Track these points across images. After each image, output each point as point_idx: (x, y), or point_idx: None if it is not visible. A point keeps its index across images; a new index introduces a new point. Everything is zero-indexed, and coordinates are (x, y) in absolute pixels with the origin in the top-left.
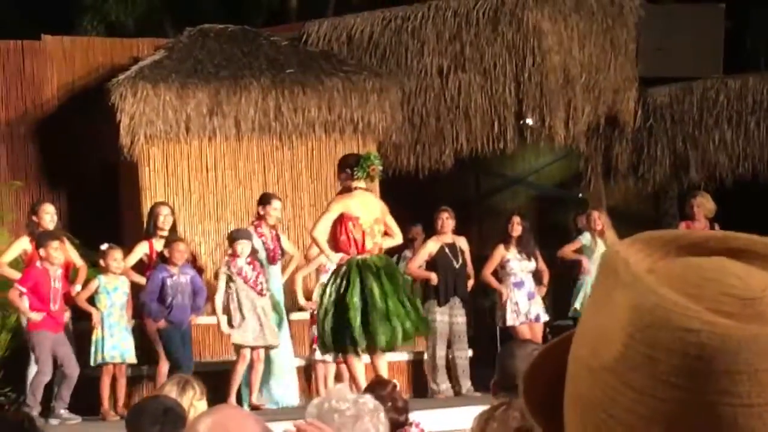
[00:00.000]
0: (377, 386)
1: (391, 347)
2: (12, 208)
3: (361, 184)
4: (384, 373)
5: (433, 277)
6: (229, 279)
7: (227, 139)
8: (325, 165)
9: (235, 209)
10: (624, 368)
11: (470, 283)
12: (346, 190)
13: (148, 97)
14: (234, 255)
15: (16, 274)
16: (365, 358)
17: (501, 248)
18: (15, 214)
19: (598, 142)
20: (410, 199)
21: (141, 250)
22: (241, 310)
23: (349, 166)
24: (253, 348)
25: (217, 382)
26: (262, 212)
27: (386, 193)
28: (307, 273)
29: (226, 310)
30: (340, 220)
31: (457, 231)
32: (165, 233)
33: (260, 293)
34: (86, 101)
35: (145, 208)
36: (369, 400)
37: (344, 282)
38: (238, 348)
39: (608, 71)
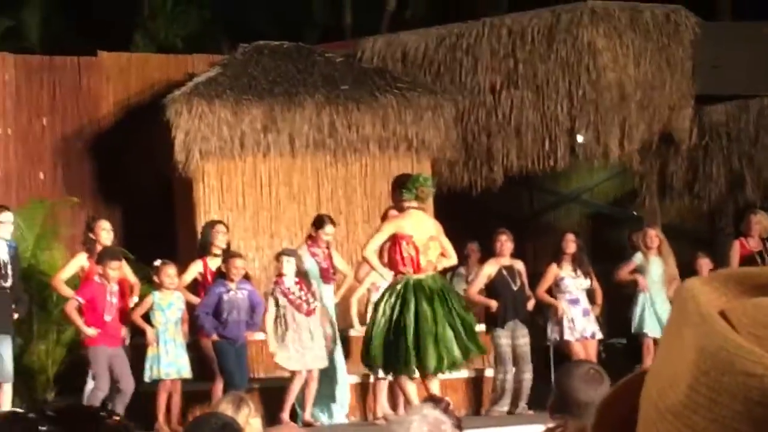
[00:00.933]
0: (431, 404)
1: (438, 371)
2: (68, 223)
3: (413, 203)
4: (436, 392)
5: (493, 304)
6: (276, 299)
7: (281, 155)
8: (378, 182)
9: (289, 225)
10: (688, 411)
11: (530, 303)
12: (399, 209)
13: (203, 113)
14: (280, 275)
15: (70, 292)
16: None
17: (554, 266)
18: (71, 229)
19: (653, 159)
20: (464, 216)
21: (195, 269)
22: (285, 331)
23: (405, 186)
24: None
25: (271, 399)
26: (314, 234)
27: (440, 210)
28: (361, 294)
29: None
30: (394, 240)
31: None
32: (219, 252)
33: (307, 314)
34: (142, 117)
35: (200, 224)
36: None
37: (398, 301)
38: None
39: (663, 89)
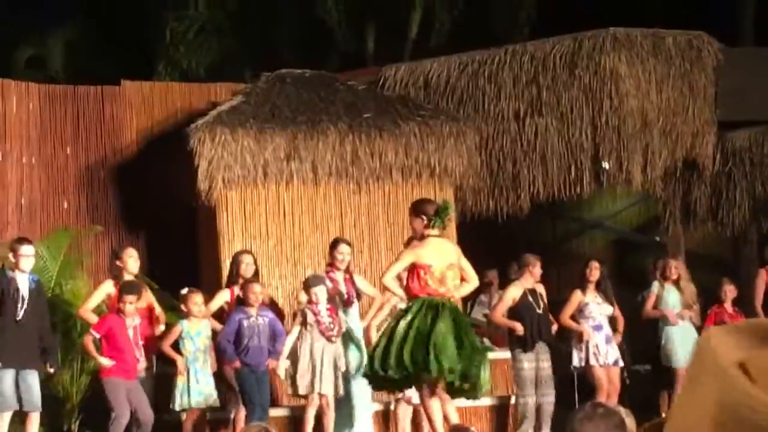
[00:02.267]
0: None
1: (439, 377)
2: (92, 252)
3: (434, 231)
4: (454, 418)
5: (519, 328)
6: (305, 316)
7: (304, 183)
8: (401, 209)
9: (312, 254)
10: None
11: (554, 327)
12: (419, 236)
13: (226, 141)
14: (312, 302)
15: (94, 319)
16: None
17: (578, 293)
18: (94, 258)
19: (676, 186)
20: (487, 244)
21: (222, 298)
22: (300, 354)
23: (425, 214)
24: (320, 394)
25: (295, 428)
26: (330, 257)
27: (463, 237)
28: (380, 320)
29: (292, 355)
30: (412, 269)
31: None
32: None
33: (330, 340)
34: (165, 146)
35: (223, 253)
36: None
37: (402, 314)
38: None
39: (686, 115)
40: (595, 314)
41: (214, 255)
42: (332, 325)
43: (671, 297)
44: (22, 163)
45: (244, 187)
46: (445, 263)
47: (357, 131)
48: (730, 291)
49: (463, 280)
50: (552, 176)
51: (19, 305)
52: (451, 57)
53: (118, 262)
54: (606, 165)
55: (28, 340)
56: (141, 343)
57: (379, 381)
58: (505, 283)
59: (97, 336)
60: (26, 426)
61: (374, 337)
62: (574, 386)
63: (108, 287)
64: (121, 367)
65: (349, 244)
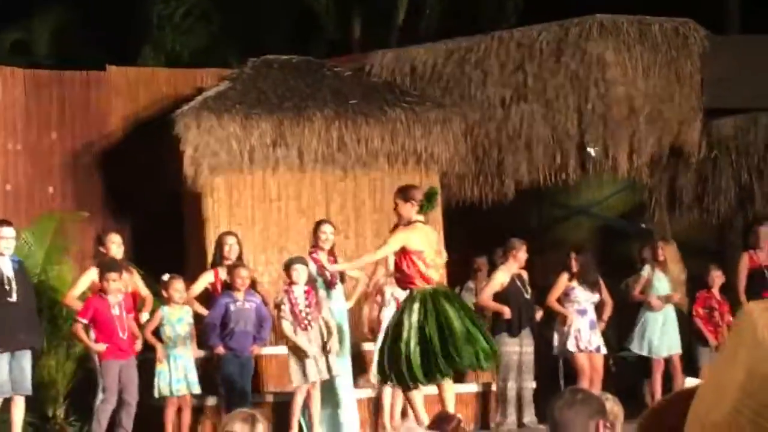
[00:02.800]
0: (442, 421)
1: (476, 367)
2: (77, 238)
3: (421, 217)
4: (451, 404)
5: (506, 311)
6: (281, 309)
7: (291, 169)
8: (388, 196)
9: (298, 239)
10: (730, 429)
11: (539, 314)
12: (406, 222)
13: (212, 127)
14: (291, 282)
15: (80, 306)
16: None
17: (564, 276)
18: (80, 244)
19: (662, 173)
20: (473, 231)
21: (206, 279)
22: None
23: (415, 199)
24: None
25: (281, 414)
26: (314, 238)
27: (450, 223)
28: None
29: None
30: (404, 254)
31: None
32: (231, 262)
33: (303, 328)
34: (150, 132)
35: (209, 239)
36: None
37: (421, 312)
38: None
39: (672, 102)
40: (581, 299)
41: (200, 241)
42: (308, 309)
43: (661, 282)
44: (6, 149)
45: (230, 173)
46: (433, 249)
47: (343, 117)
48: (717, 277)
49: None
50: (537, 163)
51: (7, 287)
52: (438, 44)
53: (101, 248)
54: (592, 151)
55: (21, 321)
56: (130, 316)
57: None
58: (494, 270)
59: (84, 322)
60: (11, 410)
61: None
62: (558, 372)
63: (92, 274)
64: (114, 347)
65: (332, 224)
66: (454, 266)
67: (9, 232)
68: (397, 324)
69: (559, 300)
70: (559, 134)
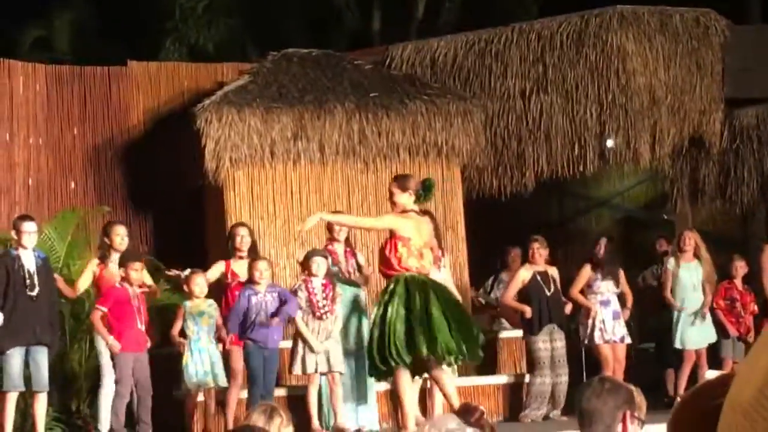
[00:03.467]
0: (465, 413)
1: (433, 355)
2: (99, 233)
3: (416, 207)
4: (455, 397)
5: (527, 310)
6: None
7: (311, 162)
8: None
9: (320, 233)
10: (753, 410)
11: (568, 308)
12: (400, 210)
13: (233, 121)
14: (310, 274)
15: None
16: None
17: (588, 268)
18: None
19: (683, 163)
20: (494, 222)
21: (218, 269)
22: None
23: (411, 189)
24: (324, 372)
25: (300, 408)
26: (329, 230)
27: (470, 215)
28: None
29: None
30: (390, 238)
31: None
32: (243, 254)
33: (319, 318)
34: (171, 126)
35: None
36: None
37: (391, 297)
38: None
39: (693, 93)
40: (603, 290)
41: (222, 234)
42: (325, 301)
43: (685, 273)
44: (29, 144)
45: (251, 167)
46: (423, 240)
47: (364, 110)
48: (740, 267)
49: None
50: (557, 154)
51: (29, 282)
52: (457, 35)
53: (105, 239)
54: (611, 143)
55: (40, 317)
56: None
57: (383, 374)
58: (504, 269)
59: (104, 310)
60: (33, 406)
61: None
62: (582, 363)
63: (93, 266)
64: (130, 339)
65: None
66: (476, 258)
67: (30, 226)
68: (382, 315)
69: (582, 292)
70: (579, 125)
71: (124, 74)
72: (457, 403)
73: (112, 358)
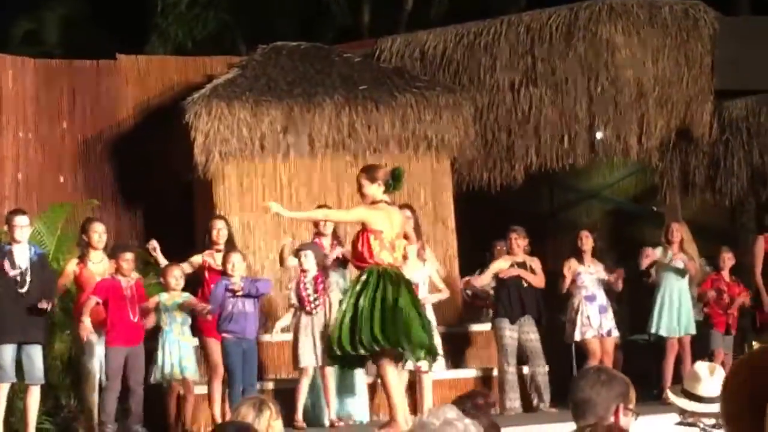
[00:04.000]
0: (474, 395)
1: (401, 350)
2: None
3: (386, 197)
4: (429, 392)
5: (512, 270)
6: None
7: (301, 156)
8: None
9: (309, 226)
10: None
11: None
12: (370, 202)
13: (223, 115)
14: (303, 270)
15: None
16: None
17: (573, 261)
18: None
19: (673, 155)
20: (484, 215)
21: (195, 261)
22: (297, 326)
23: (381, 179)
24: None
25: (285, 401)
26: (314, 224)
27: (460, 208)
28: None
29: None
30: (361, 234)
31: (531, 246)
32: (220, 247)
33: (308, 312)
34: (161, 120)
35: None
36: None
37: (364, 287)
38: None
39: (683, 85)
40: (588, 284)
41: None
42: (315, 295)
43: (674, 264)
44: (18, 138)
45: (240, 160)
46: (395, 231)
47: (353, 103)
48: (728, 259)
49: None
50: (546, 147)
51: (19, 278)
52: (447, 28)
53: (84, 236)
54: (600, 135)
55: (34, 314)
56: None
57: (345, 360)
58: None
59: (98, 300)
60: (26, 399)
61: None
62: (572, 356)
63: (72, 265)
64: (122, 332)
65: (331, 209)
66: (465, 250)
67: (22, 220)
68: (354, 303)
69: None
70: (568, 118)
71: (114, 68)
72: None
73: (106, 352)
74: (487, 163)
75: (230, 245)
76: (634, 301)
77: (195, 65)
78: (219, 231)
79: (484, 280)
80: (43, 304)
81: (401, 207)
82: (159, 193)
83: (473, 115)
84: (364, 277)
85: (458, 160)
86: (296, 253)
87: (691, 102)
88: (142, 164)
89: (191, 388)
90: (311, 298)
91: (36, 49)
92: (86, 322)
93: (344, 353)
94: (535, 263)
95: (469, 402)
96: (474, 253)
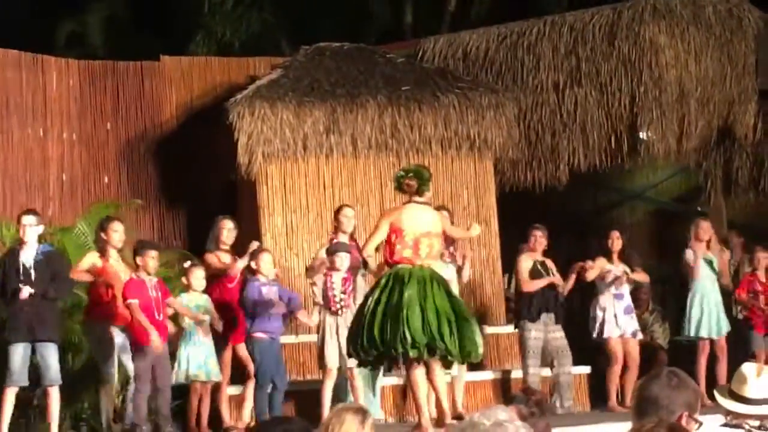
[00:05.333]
0: (528, 392)
1: (398, 351)
2: (132, 226)
3: (421, 198)
4: (443, 392)
5: (557, 280)
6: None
7: (344, 156)
8: (441, 181)
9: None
10: None
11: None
12: (404, 201)
13: (266, 115)
14: (333, 268)
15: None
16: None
17: (602, 259)
18: (135, 233)
19: (717, 155)
20: (528, 215)
21: (209, 260)
22: (323, 326)
23: (414, 182)
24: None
25: (305, 403)
26: (336, 221)
27: (504, 209)
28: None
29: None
30: (390, 231)
31: (576, 246)
32: (227, 247)
33: (335, 312)
34: (204, 120)
35: (263, 227)
36: (511, 424)
37: (373, 291)
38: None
39: (726, 84)
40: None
41: (255, 229)
42: (342, 296)
43: (704, 263)
44: (62, 139)
45: (283, 161)
46: (421, 230)
47: (396, 104)
48: (763, 258)
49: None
50: (591, 147)
51: (23, 277)
52: (490, 28)
53: (102, 234)
54: (644, 135)
55: (37, 313)
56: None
57: (362, 361)
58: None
59: (136, 302)
60: (48, 401)
61: None
62: (595, 356)
63: (93, 257)
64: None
65: (352, 208)
66: (509, 251)
67: (30, 219)
68: (376, 302)
69: (593, 284)
70: (613, 118)
71: (157, 69)
72: (444, 399)
73: (133, 352)
74: (531, 163)
75: (234, 246)
76: (674, 302)
77: (238, 66)
78: (229, 231)
79: (526, 282)
80: (24, 294)
81: (437, 209)
82: (202, 194)
83: (516, 116)
84: (378, 280)
85: (501, 161)
86: (331, 253)
87: (734, 102)
88: (185, 165)
89: (209, 390)
90: (337, 299)
91: (80, 51)
92: (154, 335)
93: (357, 354)
94: (551, 263)
95: (530, 399)
96: (517, 254)
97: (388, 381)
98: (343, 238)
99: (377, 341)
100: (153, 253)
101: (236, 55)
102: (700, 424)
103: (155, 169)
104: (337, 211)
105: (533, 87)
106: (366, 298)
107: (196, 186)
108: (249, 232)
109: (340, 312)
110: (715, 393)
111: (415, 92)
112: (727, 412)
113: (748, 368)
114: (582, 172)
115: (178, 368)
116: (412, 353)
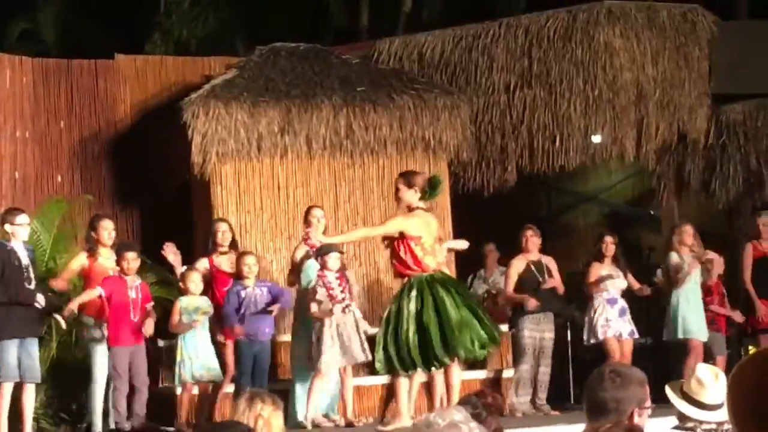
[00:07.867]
0: (484, 395)
1: (470, 357)
2: (85, 224)
3: (423, 204)
4: (456, 390)
5: (532, 302)
6: (316, 291)
7: (299, 157)
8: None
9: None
10: None
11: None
12: (406, 208)
13: (220, 115)
14: (325, 268)
15: (65, 286)
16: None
17: (597, 265)
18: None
19: (670, 159)
20: (481, 217)
21: (201, 266)
22: (321, 327)
23: (418, 185)
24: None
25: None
26: (305, 223)
27: (457, 211)
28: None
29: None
30: (402, 240)
31: None
32: (224, 249)
33: (342, 310)
34: (158, 120)
35: None
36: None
37: (418, 300)
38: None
39: (680, 88)
40: (609, 287)
41: (209, 229)
42: (343, 294)
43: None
44: (15, 138)
45: (238, 161)
46: (432, 237)
47: (351, 105)
48: (716, 261)
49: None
50: (540, 149)
51: (26, 274)
52: (445, 30)
53: (93, 233)
54: (597, 138)
55: (32, 309)
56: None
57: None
58: (503, 256)
59: (103, 293)
60: (21, 397)
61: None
62: (588, 358)
63: (81, 259)
64: (125, 332)
65: (321, 209)
66: (463, 253)
67: (23, 218)
68: (397, 312)
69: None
70: (562, 120)
71: (111, 68)
72: (457, 396)
73: (111, 353)
74: (481, 165)
75: (233, 247)
76: (650, 305)
77: (193, 65)
78: (224, 233)
79: (511, 287)
80: (40, 301)
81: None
82: (156, 194)
83: (471, 117)
84: (408, 291)
85: (455, 162)
86: (322, 254)
87: (689, 106)
88: (139, 164)
89: (207, 390)
90: (340, 297)
91: (33, 48)
92: (74, 306)
93: (394, 364)
94: (552, 263)
95: (479, 401)
96: (471, 256)
97: (370, 381)
98: (315, 240)
99: (448, 347)
100: (131, 255)
101: (192, 55)
102: (652, 408)
103: (109, 169)
104: (306, 214)
105: (486, 88)
106: (399, 308)
107: (150, 185)
108: (202, 233)
109: (346, 311)
110: (667, 390)
111: (371, 93)
112: (681, 416)
113: (704, 372)
114: (533, 175)
115: (182, 370)
116: (479, 354)
